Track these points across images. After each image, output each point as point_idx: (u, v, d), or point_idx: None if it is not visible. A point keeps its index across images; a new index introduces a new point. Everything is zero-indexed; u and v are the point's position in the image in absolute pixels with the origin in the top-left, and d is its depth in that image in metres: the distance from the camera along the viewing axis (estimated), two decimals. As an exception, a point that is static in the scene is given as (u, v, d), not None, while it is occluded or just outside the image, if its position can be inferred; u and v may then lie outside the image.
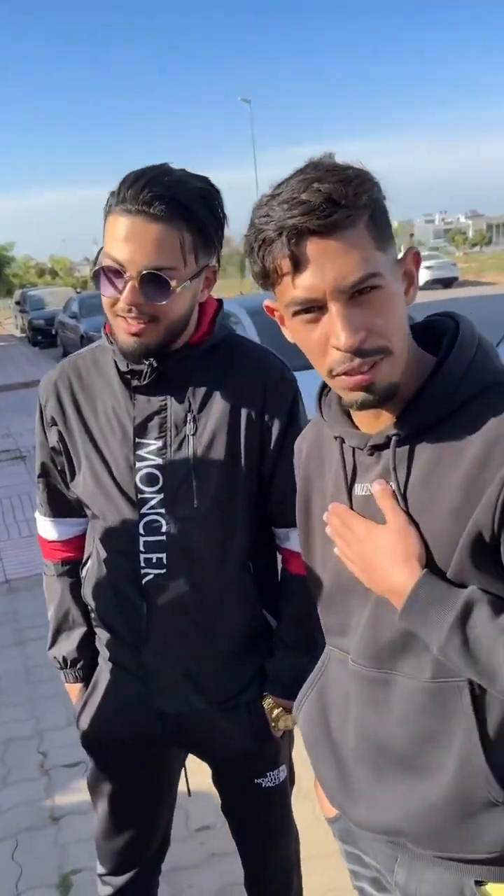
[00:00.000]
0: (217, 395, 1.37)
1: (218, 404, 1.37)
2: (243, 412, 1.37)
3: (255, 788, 1.53)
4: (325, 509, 1.08)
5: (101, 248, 1.26)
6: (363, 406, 0.96)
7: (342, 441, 1.05)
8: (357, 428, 1.03)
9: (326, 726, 1.14)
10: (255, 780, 1.52)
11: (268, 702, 1.47)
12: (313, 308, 0.91)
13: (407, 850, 1.05)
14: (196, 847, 2.40)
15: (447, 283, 29.31)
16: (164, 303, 1.24)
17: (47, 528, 1.58)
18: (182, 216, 1.21)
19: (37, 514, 1.60)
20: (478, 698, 0.96)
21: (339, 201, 0.86)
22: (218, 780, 1.60)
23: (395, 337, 0.92)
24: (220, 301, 1.44)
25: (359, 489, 1.03)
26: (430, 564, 0.95)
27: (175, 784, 1.67)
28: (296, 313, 0.92)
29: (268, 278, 0.93)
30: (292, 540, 1.44)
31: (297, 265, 0.88)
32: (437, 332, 1.02)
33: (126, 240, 1.20)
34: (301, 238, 0.87)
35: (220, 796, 1.62)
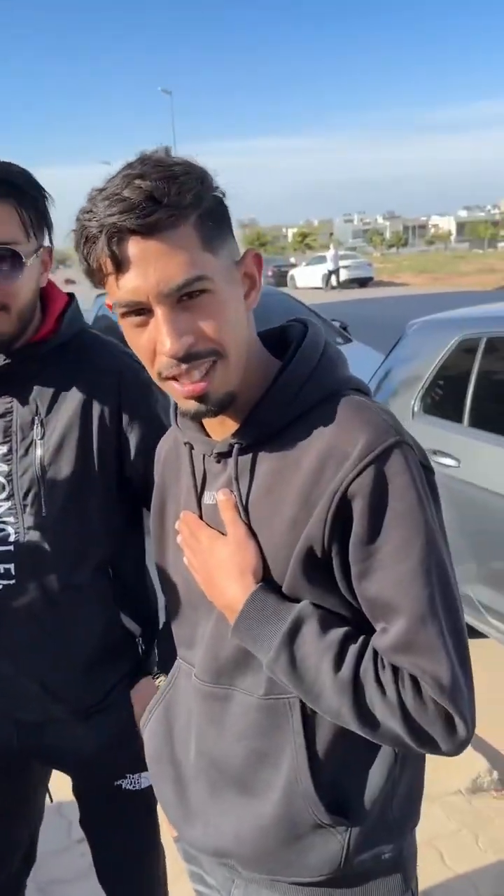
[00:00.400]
0: (66, 397, 1.31)
1: (67, 407, 1.31)
2: (95, 415, 1.32)
3: (114, 791, 1.47)
4: (178, 517, 1.05)
5: None
6: (197, 416, 0.93)
7: (191, 447, 1.02)
8: (207, 434, 1.00)
9: (170, 742, 1.11)
10: (115, 782, 1.47)
11: (161, 679, 1.40)
12: (141, 311, 0.87)
13: (240, 872, 1.03)
14: (76, 858, 2.33)
15: (363, 282, 29.85)
16: (17, 282, 1.19)
17: None
18: (14, 193, 1.19)
19: None
20: (308, 717, 0.94)
21: (160, 200, 0.81)
22: (77, 787, 1.54)
23: (227, 342, 0.88)
24: (70, 296, 1.38)
25: (207, 497, 1.01)
26: (266, 578, 0.93)
27: (40, 797, 1.60)
28: (123, 315, 0.88)
29: (94, 276, 0.88)
30: None
31: (119, 266, 0.84)
32: (288, 339, 1.00)
33: None
34: (122, 237, 0.83)
35: (80, 808, 1.56)
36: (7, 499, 1.31)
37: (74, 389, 1.31)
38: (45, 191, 1.26)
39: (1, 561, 1.32)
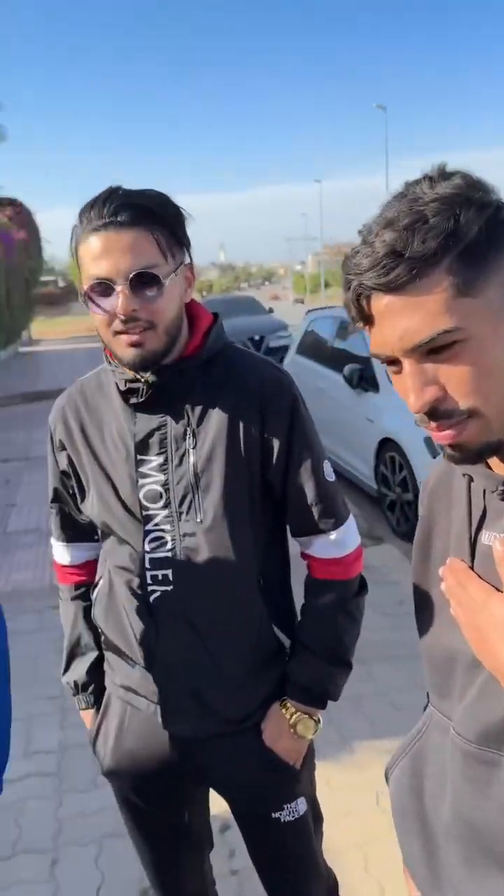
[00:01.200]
0: (215, 409, 1.35)
1: (216, 417, 1.35)
2: (241, 423, 1.34)
3: (272, 823, 1.45)
4: (447, 553, 0.95)
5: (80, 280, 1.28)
6: (453, 461, 0.85)
7: (470, 479, 0.91)
8: (489, 466, 0.88)
9: (419, 795, 1.00)
10: (273, 815, 1.44)
11: (287, 707, 1.41)
12: (393, 361, 0.82)
13: None
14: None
15: None
16: (159, 301, 1.25)
17: (61, 552, 1.60)
18: (149, 217, 1.23)
19: (52, 540, 1.63)
20: None
21: (402, 252, 0.74)
22: (234, 812, 1.54)
23: (484, 393, 0.78)
24: (216, 315, 1.41)
25: (485, 537, 0.88)
26: None
27: (199, 818, 1.62)
28: (382, 362, 0.85)
29: (356, 322, 0.85)
30: (315, 546, 1.42)
31: (366, 320, 0.82)
32: None
33: (104, 254, 1.22)
34: (367, 294, 0.79)
35: (241, 831, 1.55)
36: (164, 507, 1.36)
37: (222, 402, 1.35)
38: (181, 210, 1.30)
39: (159, 567, 1.37)
